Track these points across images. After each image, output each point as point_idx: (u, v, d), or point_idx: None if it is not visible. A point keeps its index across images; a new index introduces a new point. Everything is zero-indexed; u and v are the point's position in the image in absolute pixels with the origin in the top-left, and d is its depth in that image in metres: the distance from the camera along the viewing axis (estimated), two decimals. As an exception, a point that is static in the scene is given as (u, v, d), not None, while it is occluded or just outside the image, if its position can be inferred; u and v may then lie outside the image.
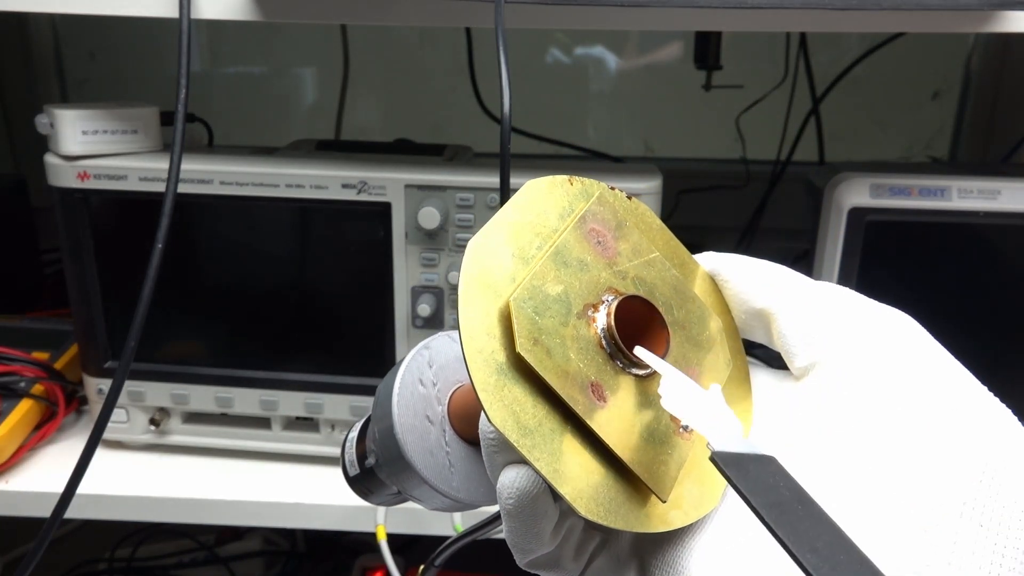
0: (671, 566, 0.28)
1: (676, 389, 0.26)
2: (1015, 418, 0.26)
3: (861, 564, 0.19)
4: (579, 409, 0.26)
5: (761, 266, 0.32)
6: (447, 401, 0.35)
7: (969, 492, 0.24)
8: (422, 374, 0.35)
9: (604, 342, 0.28)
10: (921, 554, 0.24)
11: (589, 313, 0.28)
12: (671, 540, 0.29)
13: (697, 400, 0.26)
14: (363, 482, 0.38)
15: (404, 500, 0.37)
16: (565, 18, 0.55)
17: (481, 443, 0.28)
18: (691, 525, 0.28)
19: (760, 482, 0.22)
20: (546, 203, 0.30)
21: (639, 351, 0.28)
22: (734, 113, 1.01)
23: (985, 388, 0.27)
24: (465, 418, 0.34)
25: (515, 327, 0.26)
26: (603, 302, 0.28)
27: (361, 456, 0.37)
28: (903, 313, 0.30)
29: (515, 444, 0.25)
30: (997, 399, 0.27)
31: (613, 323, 0.28)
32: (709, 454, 0.24)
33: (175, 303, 0.66)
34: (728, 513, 0.29)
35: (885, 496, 0.25)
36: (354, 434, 0.39)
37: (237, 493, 0.67)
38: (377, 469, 0.36)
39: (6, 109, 1.16)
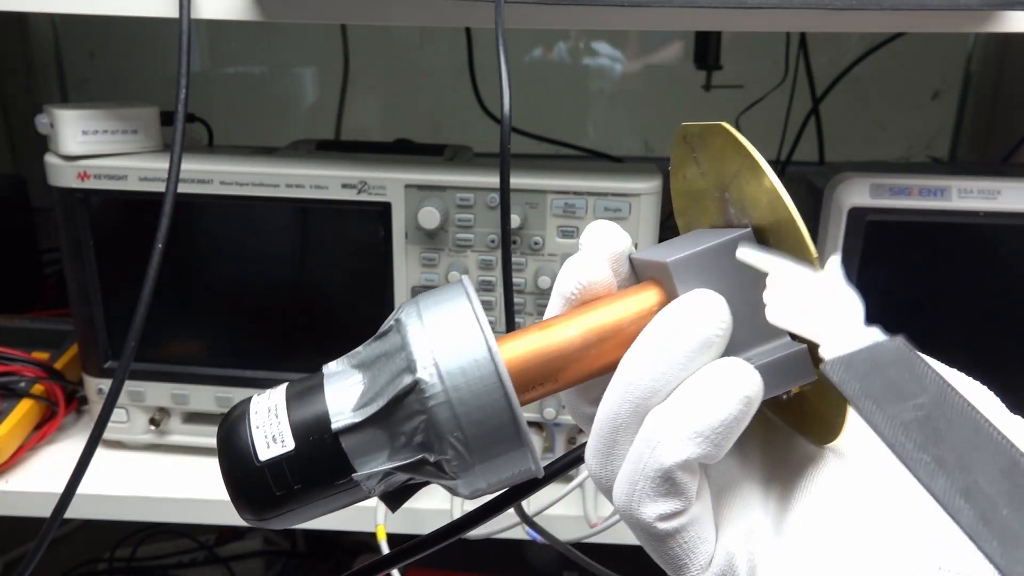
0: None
1: (782, 295, 0.24)
2: None
3: None
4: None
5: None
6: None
7: None
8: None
9: None
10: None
11: None
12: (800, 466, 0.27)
13: (808, 298, 0.24)
14: (404, 494, 0.30)
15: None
16: (565, 18, 0.55)
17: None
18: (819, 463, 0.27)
19: (890, 394, 0.19)
20: None
21: (742, 253, 0.26)
22: (734, 113, 1.01)
23: None
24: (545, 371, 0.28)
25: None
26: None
27: (414, 461, 0.27)
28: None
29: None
30: None
31: None
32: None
33: (175, 303, 0.66)
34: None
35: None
36: (379, 468, 0.27)
37: (237, 493, 0.67)
38: (445, 464, 0.27)
39: (6, 109, 1.16)
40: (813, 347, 0.26)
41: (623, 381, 0.26)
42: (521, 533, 0.62)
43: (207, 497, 0.66)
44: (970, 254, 0.63)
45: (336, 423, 0.27)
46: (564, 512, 0.64)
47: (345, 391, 0.28)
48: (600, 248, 0.30)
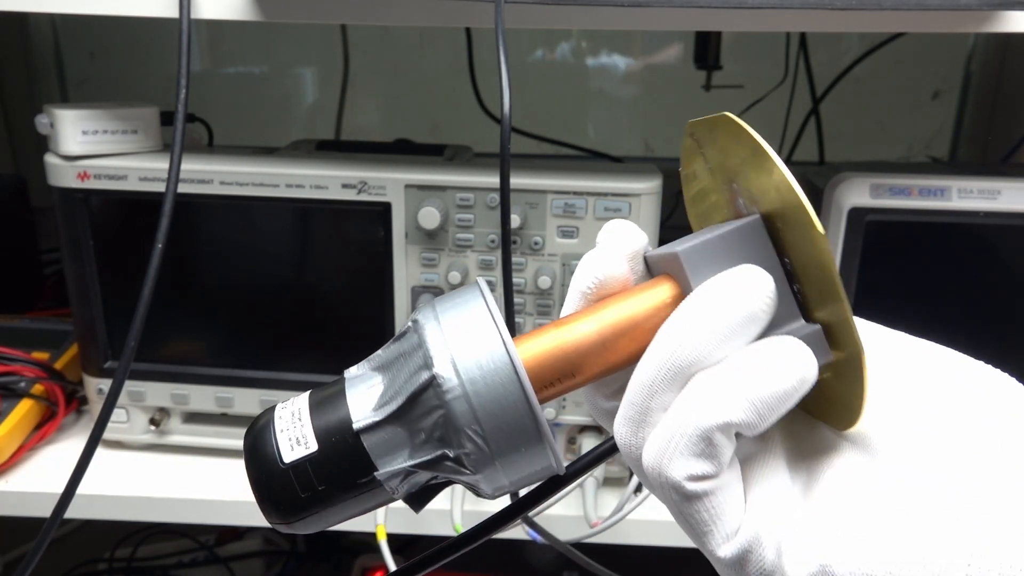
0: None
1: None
2: None
3: None
4: None
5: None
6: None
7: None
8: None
9: None
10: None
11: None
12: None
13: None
14: (426, 495, 0.30)
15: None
16: (565, 18, 0.55)
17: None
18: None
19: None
20: None
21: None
22: (734, 113, 1.01)
23: None
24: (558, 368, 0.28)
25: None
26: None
27: (435, 457, 0.27)
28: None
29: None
30: None
31: None
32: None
33: (175, 303, 0.66)
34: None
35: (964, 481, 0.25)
36: (401, 466, 0.28)
37: (237, 493, 0.67)
38: (465, 458, 0.27)
39: (6, 109, 1.16)
40: (827, 328, 0.27)
41: (663, 347, 0.26)
42: (521, 533, 0.62)
43: (207, 497, 0.66)
44: (970, 254, 0.63)
45: (357, 423, 0.28)
46: (564, 512, 0.64)
47: (366, 393, 0.28)
48: (617, 245, 0.31)
